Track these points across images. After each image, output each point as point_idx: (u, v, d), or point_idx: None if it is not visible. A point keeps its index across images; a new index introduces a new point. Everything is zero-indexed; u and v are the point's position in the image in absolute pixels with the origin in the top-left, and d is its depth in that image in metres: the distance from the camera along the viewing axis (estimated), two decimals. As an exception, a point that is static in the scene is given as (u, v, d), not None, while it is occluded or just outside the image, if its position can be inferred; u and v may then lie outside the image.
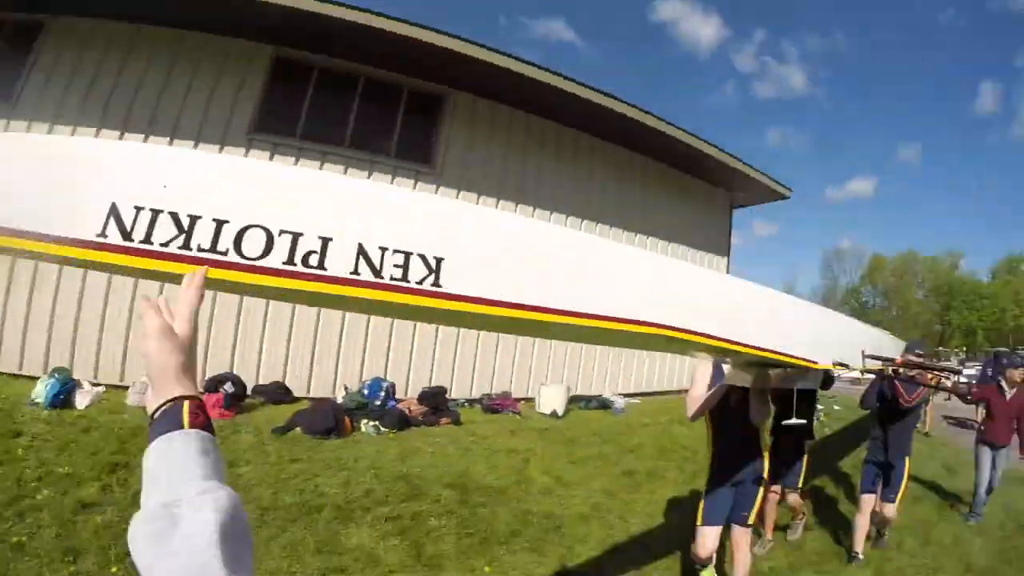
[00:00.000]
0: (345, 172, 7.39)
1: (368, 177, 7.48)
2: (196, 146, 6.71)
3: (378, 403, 6.78)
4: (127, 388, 5.99)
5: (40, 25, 6.81)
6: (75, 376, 5.82)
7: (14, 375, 6.22)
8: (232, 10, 6.60)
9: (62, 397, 5.40)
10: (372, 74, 7.94)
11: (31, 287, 6.32)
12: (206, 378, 6.36)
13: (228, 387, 6.11)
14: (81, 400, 5.56)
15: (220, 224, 1.03)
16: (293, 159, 7.24)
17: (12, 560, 2.86)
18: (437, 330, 8.20)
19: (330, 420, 5.67)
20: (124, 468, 4.03)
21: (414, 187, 7.87)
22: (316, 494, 4.20)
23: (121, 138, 6.39)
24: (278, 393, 6.69)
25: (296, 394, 6.89)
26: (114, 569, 2.91)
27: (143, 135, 6.61)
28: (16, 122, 6.49)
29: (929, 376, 3.69)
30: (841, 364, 2.52)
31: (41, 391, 5.44)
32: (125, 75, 6.85)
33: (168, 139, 6.69)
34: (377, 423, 6.14)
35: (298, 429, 5.52)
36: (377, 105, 8.01)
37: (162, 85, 6.91)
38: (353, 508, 4.05)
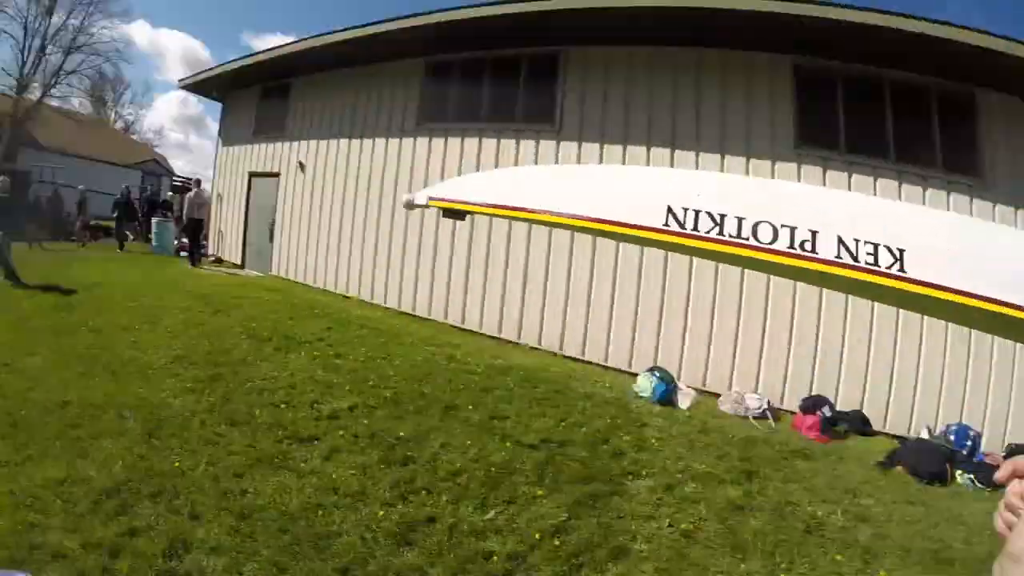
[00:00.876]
0: (899, 187, 7.12)
1: (923, 193, 7.10)
2: (748, 161, 7.37)
3: (965, 452, 6.50)
4: (717, 396, 6.81)
5: (556, 56, 8.81)
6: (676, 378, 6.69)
7: (617, 370, 7.66)
8: (752, 25, 7.02)
9: (666, 396, 6.28)
10: (897, 78, 7.32)
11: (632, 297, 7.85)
12: (802, 397, 6.71)
13: (825, 411, 6.35)
14: (682, 400, 6.34)
15: (740, 220, 1.47)
16: (845, 173, 7.22)
17: (685, 547, 3.33)
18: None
19: (936, 465, 5.56)
20: (758, 477, 4.55)
21: (970, 206, 7.02)
22: (943, 546, 4.02)
23: (672, 154, 7.78)
24: (859, 423, 6.67)
25: (874, 426, 6.81)
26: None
27: (693, 152, 7.71)
28: (565, 143, 8.63)
29: None
30: None
31: (646, 386, 6.36)
32: (653, 95, 8.08)
33: (719, 155, 7.56)
34: (972, 476, 5.79)
35: (900, 467, 5.50)
36: (908, 112, 7.33)
37: (694, 101, 7.82)
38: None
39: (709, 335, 7.37)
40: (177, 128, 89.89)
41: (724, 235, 1.51)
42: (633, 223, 1.69)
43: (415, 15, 9.44)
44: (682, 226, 1.57)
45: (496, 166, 8.93)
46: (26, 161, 25.35)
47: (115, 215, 16.73)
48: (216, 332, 7.07)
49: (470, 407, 5.35)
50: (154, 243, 15.58)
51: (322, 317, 8.39)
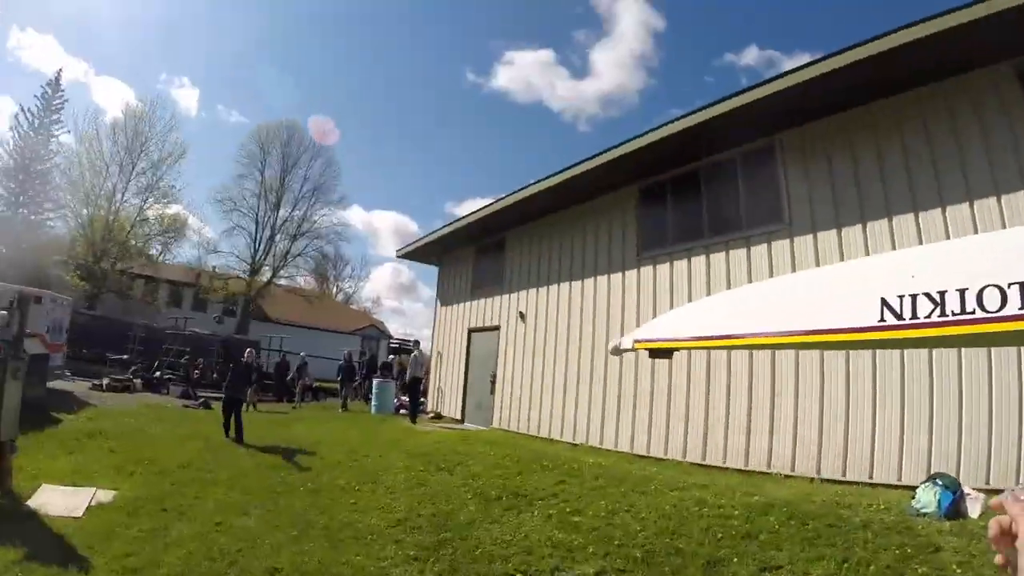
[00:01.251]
0: None
1: None
2: (999, 201, 6.97)
3: None
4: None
5: (771, 147, 9.17)
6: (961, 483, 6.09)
7: (887, 485, 7.15)
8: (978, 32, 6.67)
9: (952, 507, 5.79)
10: None
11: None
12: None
13: None
14: (972, 508, 5.87)
15: (962, 292, 1.44)
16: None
17: None
18: None
19: None
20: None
21: None
22: None
23: (916, 218, 7.57)
24: None
25: None
26: None
27: (937, 208, 7.44)
28: (799, 239, 8.67)
29: None
30: None
31: (929, 499, 5.93)
32: (883, 156, 8.10)
33: (966, 203, 7.22)
34: None
35: None
36: None
37: (927, 148, 7.72)
38: None
39: (989, 421, 6.68)
40: (391, 295, 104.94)
41: (947, 314, 1.52)
42: (846, 327, 1.75)
43: (621, 144, 10.36)
44: (899, 317, 1.61)
45: (728, 282, 9.27)
46: (256, 332, 31.04)
47: (339, 378, 19.50)
48: (440, 492, 7.29)
49: (735, 559, 5.04)
50: (374, 402, 17.47)
51: (552, 469, 8.40)
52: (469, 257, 17.05)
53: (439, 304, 18.48)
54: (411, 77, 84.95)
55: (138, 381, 18.49)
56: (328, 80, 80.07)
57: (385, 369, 22.40)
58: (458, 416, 15.97)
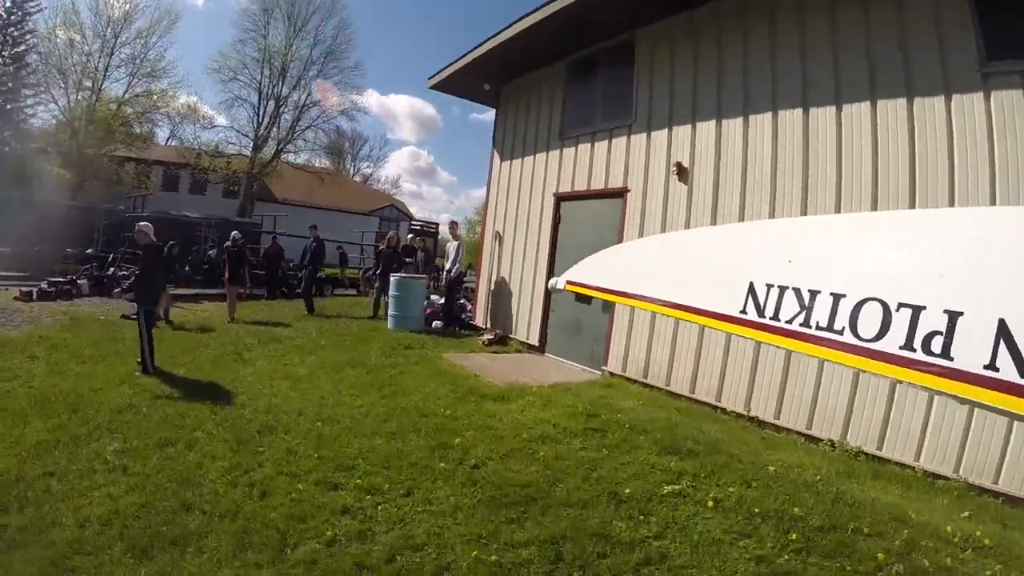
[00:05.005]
0: None
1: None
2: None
3: None
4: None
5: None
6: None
7: None
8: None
9: None
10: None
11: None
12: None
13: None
14: None
15: (837, 299, 1.14)
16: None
17: None
18: None
19: None
20: None
21: None
22: None
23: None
24: None
25: None
26: None
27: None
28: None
29: None
30: None
31: None
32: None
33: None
34: None
35: None
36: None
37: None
38: None
39: None
40: (410, 179, 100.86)
41: (810, 325, 1.19)
42: (709, 310, 1.44)
43: None
44: (761, 313, 1.31)
45: None
46: (262, 213, 25.77)
47: (376, 270, 12.45)
48: None
49: None
50: (392, 311, 10.18)
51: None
52: (555, 80, 9.64)
53: (497, 159, 11.22)
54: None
55: (83, 282, 13.35)
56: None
57: (408, 254, 14.56)
58: (534, 341, 9.28)
